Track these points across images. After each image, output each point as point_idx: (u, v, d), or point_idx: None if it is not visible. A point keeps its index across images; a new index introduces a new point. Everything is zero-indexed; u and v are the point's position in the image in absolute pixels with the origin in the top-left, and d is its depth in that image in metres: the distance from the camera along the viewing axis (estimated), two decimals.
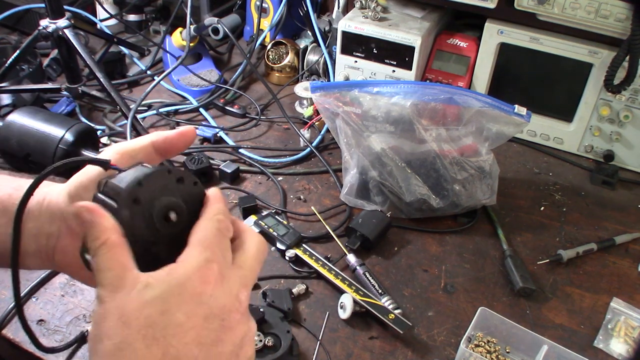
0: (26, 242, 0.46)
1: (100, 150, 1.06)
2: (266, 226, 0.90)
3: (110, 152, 0.47)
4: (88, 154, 0.48)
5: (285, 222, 0.91)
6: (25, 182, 0.48)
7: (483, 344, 0.75)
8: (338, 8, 1.26)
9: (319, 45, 1.27)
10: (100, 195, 0.43)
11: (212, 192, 0.45)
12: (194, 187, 0.45)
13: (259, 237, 0.45)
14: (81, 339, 0.73)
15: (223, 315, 0.39)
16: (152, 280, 0.38)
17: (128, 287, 0.37)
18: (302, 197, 1.00)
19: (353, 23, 1.12)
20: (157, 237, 0.43)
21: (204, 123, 1.17)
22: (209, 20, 1.33)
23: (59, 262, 0.47)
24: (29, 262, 0.47)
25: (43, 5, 1.09)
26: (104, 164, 0.45)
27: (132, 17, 1.44)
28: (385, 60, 1.13)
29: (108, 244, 0.38)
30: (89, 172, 0.47)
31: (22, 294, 0.78)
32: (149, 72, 1.32)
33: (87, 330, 0.74)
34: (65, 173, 0.47)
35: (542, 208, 1.00)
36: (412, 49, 1.09)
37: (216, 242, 0.41)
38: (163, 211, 0.42)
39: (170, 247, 0.43)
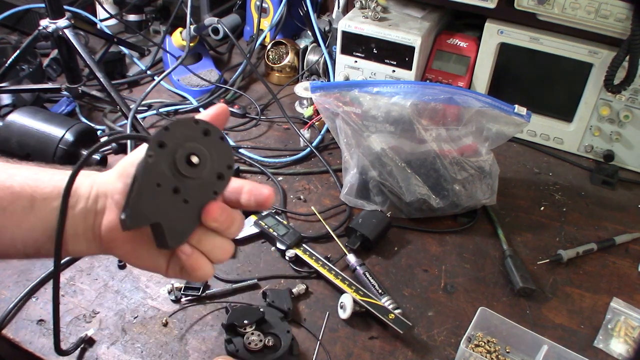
0: (76, 224, 0.49)
1: (108, 149, 1.06)
2: (266, 226, 0.90)
3: None
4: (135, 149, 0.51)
5: (285, 222, 0.91)
6: (37, 170, 0.51)
7: (483, 344, 0.75)
8: (338, 8, 1.26)
9: (319, 45, 1.27)
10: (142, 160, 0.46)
11: None
12: (220, 141, 0.47)
13: None
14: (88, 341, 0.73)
15: None
16: None
17: None
18: (302, 197, 1.00)
19: (353, 23, 1.12)
20: (181, 181, 0.46)
21: None
22: (209, 20, 1.33)
23: (105, 237, 0.50)
24: (76, 246, 0.50)
25: (43, 5, 1.09)
26: (145, 139, 0.47)
27: (132, 17, 1.44)
28: (385, 60, 1.13)
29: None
30: (134, 154, 0.49)
31: (21, 294, 0.78)
32: (149, 72, 1.32)
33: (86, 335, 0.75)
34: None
35: (542, 208, 1.00)
36: (412, 49, 1.09)
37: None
38: (186, 155, 0.45)
39: (195, 194, 0.46)
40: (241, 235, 0.89)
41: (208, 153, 0.46)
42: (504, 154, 1.12)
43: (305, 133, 1.11)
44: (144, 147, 0.47)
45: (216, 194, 0.47)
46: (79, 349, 0.72)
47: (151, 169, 0.44)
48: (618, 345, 0.77)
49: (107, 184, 0.50)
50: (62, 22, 1.06)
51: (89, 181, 0.50)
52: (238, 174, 1.03)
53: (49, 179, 0.50)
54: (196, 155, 0.45)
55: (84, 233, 0.50)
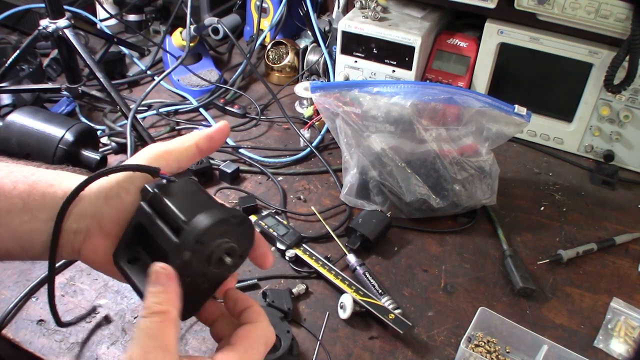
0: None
1: (108, 149, 1.06)
2: (266, 226, 0.90)
3: (153, 153, 0.48)
4: (135, 161, 0.48)
5: (285, 222, 0.91)
6: (28, 170, 0.49)
7: (483, 344, 0.75)
8: (338, 8, 1.26)
9: (319, 45, 1.27)
10: (148, 210, 0.44)
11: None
12: (248, 228, 0.46)
13: (271, 331, 0.47)
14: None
15: None
16: None
17: None
18: (302, 197, 1.00)
19: (353, 23, 1.12)
20: (206, 275, 0.45)
21: (204, 123, 1.17)
22: (209, 20, 1.33)
23: (86, 258, 0.49)
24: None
25: (43, 5, 1.09)
26: (153, 172, 0.46)
27: (132, 17, 1.44)
28: (385, 60, 1.13)
29: (167, 316, 0.40)
30: (129, 174, 0.47)
31: (21, 295, 0.78)
32: (149, 72, 1.32)
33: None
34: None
35: (542, 208, 1.00)
36: (412, 49, 1.09)
37: (257, 354, 0.44)
38: (221, 255, 0.44)
39: (213, 281, 0.46)
40: None
41: (237, 245, 0.45)
42: (504, 154, 1.12)
43: (305, 133, 1.11)
44: (139, 157, 0.47)
45: (231, 273, 0.47)
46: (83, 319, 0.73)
47: (182, 263, 0.42)
48: (618, 345, 0.77)
49: (93, 204, 0.47)
50: (62, 22, 1.06)
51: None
52: (238, 174, 1.03)
53: (12, 187, 0.47)
54: (230, 255, 0.44)
55: (61, 247, 0.48)
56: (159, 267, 0.41)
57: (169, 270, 0.42)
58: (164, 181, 0.46)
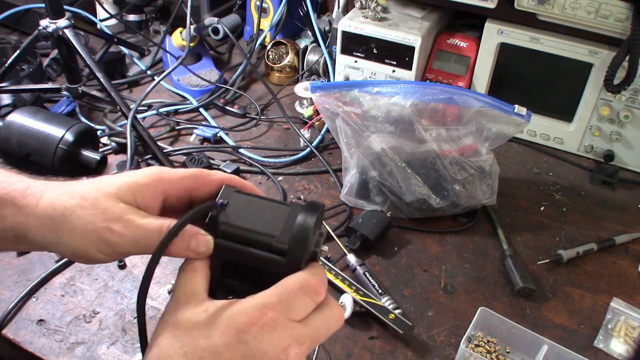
0: (74, 243, 0.44)
1: (108, 149, 1.05)
2: None
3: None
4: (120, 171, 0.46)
5: None
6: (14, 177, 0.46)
7: (483, 344, 0.75)
8: (338, 8, 1.26)
9: (319, 45, 1.27)
10: (229, 244, 0.43)
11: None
12: (323, 211, 0.45)
13: (340, 311, 0.45)
14: None
15: None
16: (211, 306, 0.40)
17: (191, 307, 0.40)
18: (302, 197, 1.00)
19: (353, 23, 1.12)
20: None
21: (204, 123, 1.17)
22: (209, 20, 1.33)
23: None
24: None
25: (43, 5, 1.09)
26: (213, 207, 0.44)
27: (132, 17, 1.43)
28: (385, 60, 1.13)
29: (196, 268, 0.42)
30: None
31: (21, 294, 0.78)
32: (149, 72, 1.32)
33: None
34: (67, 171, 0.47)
35: (542, 208, 1.00)
36: (412, 49, 1.09)
37: (291, 296, 0.41)
38: (318, 249, 0.45)
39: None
40: None
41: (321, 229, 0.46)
42: (504, 154, 1.12)
43: (305, 133, 1.11)
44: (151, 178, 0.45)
45: None
46: None
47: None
48: (618, 345, 0.77)
49: (107, 205, 0.44)
50: (62, 22, 1.06)
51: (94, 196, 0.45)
52: (238, 174, 1.03)
53: None
54: (319, 243, 0.45)
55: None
56: (192, 230, 0.43)
57: (201, 234, 0.43)
58: (219, 206, 0.44)
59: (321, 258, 0.85)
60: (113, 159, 1.04)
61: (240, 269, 0.44)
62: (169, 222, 0.44)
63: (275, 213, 0.43)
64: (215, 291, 0.44)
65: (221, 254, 0.44)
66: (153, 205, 0.46)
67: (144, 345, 0.44)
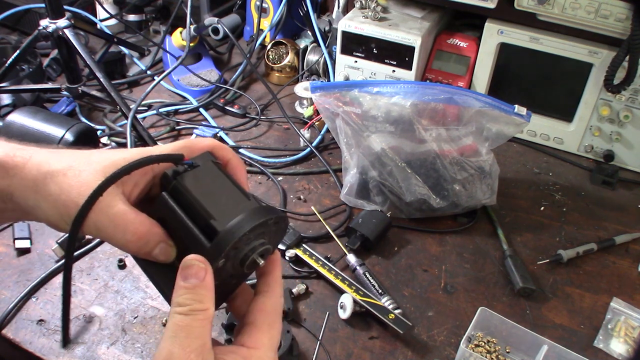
0: (47, 209, 0.43)
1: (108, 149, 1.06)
2: None
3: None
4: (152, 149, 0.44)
5: None
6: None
7: (483, 344, 0.75)
8: (338, 8, 1.26)
9: (319, 45, 1.27)
10: (172, 204, 0.41)
11: (276, 260, 0.45)
12: (283, 224, 0.44)
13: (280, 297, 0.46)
14: None
15: None
16: None
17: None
18: (302, 197, 1.00)
19: (353, 23, 1.12)
20: (237, 275, 0.43)
21: (204, 123, 1.17)
22: (209, 20, 1.33)
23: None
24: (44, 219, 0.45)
25: (43, 5, 1.09)
26: (177, 160, 0.43)
27: (132, 17, 1.43)
28: (385, 60, 1.13)
29: (207, 314, 0.39)
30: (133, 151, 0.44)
31: (21, 294, 0.78)
32: (149, 72, 1.32)
33: None
34: None
35: (542, 208, 1.00)
36: (412, 49, 1.09)
37: (279, 325, 0.43)
38: (255, 259, 0.42)
39: (242, 278, 0.45)
40: None
41: (271, 244, 0.43)
42: (504, 154, 1.12)
43: (305, 133, 1.11)
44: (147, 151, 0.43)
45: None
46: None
47: (215, 268, 0.40)
48: (618, 345, 0.77)
49: (89, 180, 0.42)
50: (62, 22, 1.06)
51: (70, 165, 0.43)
52: None
53: None
54: (263, 257, 0.42)
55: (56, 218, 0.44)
56: (194, 259, 0.39)
57: (206, 262, 0.39)
58: (185, 167, 0.43)
59: (321, 258, 0.85)
60: None
61: (173, 234, 0.42)
62: (134, 216, 0.42)
63: (231, 199, 0.42)
64: None
65: (161, 208, 0.42)
66: (140, 182, 0.45)
67: (67, 298, 0.44)
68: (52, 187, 0.42)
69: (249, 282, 0.50)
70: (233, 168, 0.47)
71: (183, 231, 0.41)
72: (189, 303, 0.39)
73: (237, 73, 1.28)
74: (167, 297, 0.41)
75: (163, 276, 0.42)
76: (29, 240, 0.87)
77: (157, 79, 1.16)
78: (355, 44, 1.14)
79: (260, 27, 1.33)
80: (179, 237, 0.42)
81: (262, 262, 0.42)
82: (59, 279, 0.82)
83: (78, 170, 0.42)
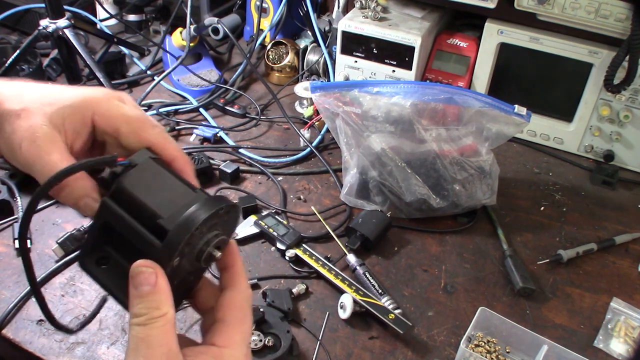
0: (1, 145, 0.44)
1: None
2: (266, 226, 0.90)
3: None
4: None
5: (285, 222, 0.91)
6: None
7: (483, 344, 0.75)
8: (338, 8, 1.26)
9: (319, 45, 1.27)
10: (115, 208, 0.39)
11: (234, 250, 0.44)
12: (235, 213, 0.42)
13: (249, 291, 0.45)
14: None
15: None
16: None
17: None
18: (302, 197, 1.00)
19: (353, 23, 1.12)
20: (195, 270, 0.42)
21: (204, 123, 1.17)
22: (209, 20, 1.33)
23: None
24: None
25: (43, 5, 1.10)
26: (110, 163, 0.41)
27: (132, 17, 1.44)
28: (385, 60, 1.13)
29: (166, 318, 0.38)
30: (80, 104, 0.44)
31: (21, 295, 0.78)
32: (149, 72, 1.32)
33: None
34: None
35: (542, 208, 1.00)
36: (412, 49, 1.09)
37: (249, 319, 0.42)
38: (211, 252, 0.41)
39: (201, 272, 0.44)
40: (241, 235, 0.89)
41: (225, 233, 0.41)
42: (504, 154, 1.12)
43: (305, 133, 1.11)
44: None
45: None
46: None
47: (170, 267, 0.38)
48: (618, 345, 0.77)
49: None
50: (62, 22, 1.06)
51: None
52: (238, 174, 1.03)
53: None
54: (220, 249, 0.41)
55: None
56: (141, 265, 0.38)
57: (155, 266, 0.38)
58: (122, 167, 0.41)
59: (321, 258, 0.85)
60: None
61: (121, 238, 0.40)
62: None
63: (176, 194, 0.40)
64: (87, 254, 0.42)
65: (105, 214, 0.40)
66: (82, 132, 0.45)
67: (32, 279, 0.42)
68: (7, 127, 0.43)
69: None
70: (179, 165, 0.46)
71: (132, 235, 0.39)
72: (145, 312, 0.38)
73: (237, 73, 1.28)
74: (126, 305, 0.40)
75: (117, 284, 0.41)
76: (28, 240, 0.87)
77: (157, 79, 1.16)
78: (355, 44, 1.14)
79: (260, 27, 1.33)
80: (129, 241, 0.40)
81: (219, 253, 0.41)
82: (59, 279, 0.82)
83: (30, 112, 0.43)
